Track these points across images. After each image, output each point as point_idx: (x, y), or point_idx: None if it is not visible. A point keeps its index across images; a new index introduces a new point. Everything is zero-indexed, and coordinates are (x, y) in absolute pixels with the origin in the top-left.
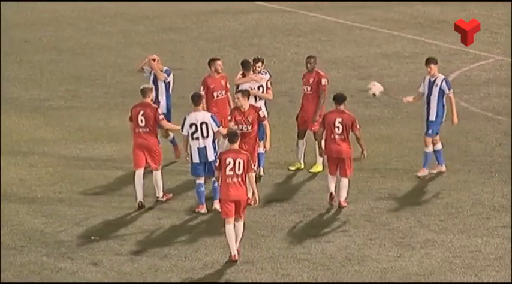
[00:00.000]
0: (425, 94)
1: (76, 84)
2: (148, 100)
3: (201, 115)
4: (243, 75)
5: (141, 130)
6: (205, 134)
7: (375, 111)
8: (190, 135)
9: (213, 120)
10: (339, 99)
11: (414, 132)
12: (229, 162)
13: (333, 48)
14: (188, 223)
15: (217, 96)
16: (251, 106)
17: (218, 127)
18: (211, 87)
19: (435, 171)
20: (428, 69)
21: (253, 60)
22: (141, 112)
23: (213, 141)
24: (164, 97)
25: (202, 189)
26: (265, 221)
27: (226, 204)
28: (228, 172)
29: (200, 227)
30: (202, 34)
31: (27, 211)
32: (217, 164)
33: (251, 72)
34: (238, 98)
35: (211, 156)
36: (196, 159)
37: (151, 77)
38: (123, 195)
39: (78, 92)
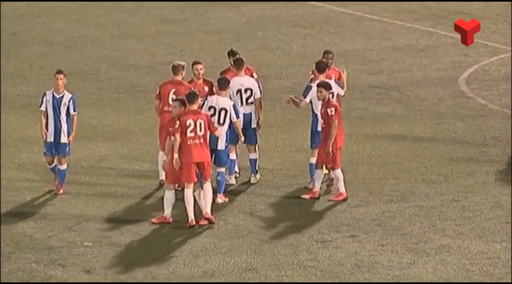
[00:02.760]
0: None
1: (68, 79)
2: (180, 77)
3: (223, 101)
4: (223, 72)
5: (170, 108)
6: (221, 121)
7: (386, 109)
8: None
9: (234, 109)
10: (330, 86)
11: (428, 130)
12: (190, 124)
13: (342, 41)
14: (186, 228)
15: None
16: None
17: (237, 118)
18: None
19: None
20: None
21: (228, 54)
22: (173, 90)
23: (227, 131)
24: (66, 125)
25: (218, 177)
26: (269, 226)
27: (188, 167)
28: (189, 134)
29: (199, 233)
30: (202, 26)
31: (15, 215)
32: (176, 126)
33: (242, 72)
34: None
35: (221, 145)
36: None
37: (51, 101)
38: (118, 198)
39: (69, 88)
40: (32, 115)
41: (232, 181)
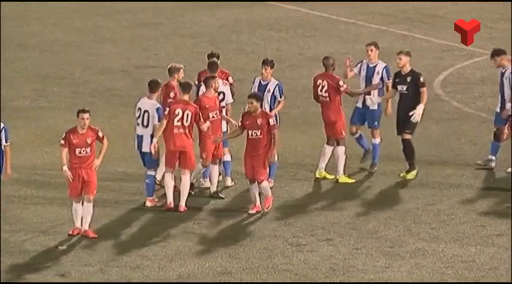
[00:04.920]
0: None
1: (43, 83)
2: (174, 81)
3: (148, 103)
4: (201, 73)
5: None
6: (145, 123)
7: None
8: (136, 118)
9: (157, 112)
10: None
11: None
12: (178, 113)
13: (317, 44)
14: (161, 231)
15: (213, 116)
16: (89, 128)
17: (159, 121)
18: (207, 106)
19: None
20: (263, 71)
21: (208, 56)
22: (171, 93)
23: (152, 134)
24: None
25: (147, 180)
26: (243, 229)
27: (170, 155)
28: (175, 123)
29: (174, 236)
30: (177, 30)
31: None
32: (165, 112)
33: (216, 75)
34: (83, 118)
35: (146, 147)
36: (135, 146)
37: None
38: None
39: (45, 92)
40: (7, 118)
41: (228, 182)
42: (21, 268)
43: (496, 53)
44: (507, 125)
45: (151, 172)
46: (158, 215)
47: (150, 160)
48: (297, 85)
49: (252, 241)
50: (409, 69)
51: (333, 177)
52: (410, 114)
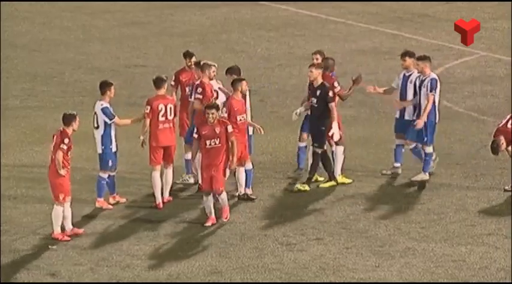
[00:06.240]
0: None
1: (32, 82)
2: (206, 77)
3: (96, 105)
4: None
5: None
6: (95, 124)
7: (351, 111)
8: None
9: (103, 112)
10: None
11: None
12: (161, 109)
13: (306, 44)
14: (152, 231)
15: (240, 119)
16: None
17: (110, 120)
18: (235, 109)
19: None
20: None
21: (184, 55)
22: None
23: (103, 134)
24: None
25: (102, 181)
26: (234, 228)
27: (155, 151)
28: (160, 119)
29: (164, 236)
30: (167, 29)
31: None
32: (147, 111)
33: (207, 78)
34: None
35: (98, 149)
36: None
37: None
38: (83, 200)
39: (34, 91)
40: None
41: (191, 180)
42: (11, 268)
43: (409, 55)
44: (502, 136)
45: (102, 174)
46: (148, 215)
47: (100, 161)
48: (287, 85)
49: (242, 241)
50: (319, 82)
51: (322, 178)
52: (330, 134)
